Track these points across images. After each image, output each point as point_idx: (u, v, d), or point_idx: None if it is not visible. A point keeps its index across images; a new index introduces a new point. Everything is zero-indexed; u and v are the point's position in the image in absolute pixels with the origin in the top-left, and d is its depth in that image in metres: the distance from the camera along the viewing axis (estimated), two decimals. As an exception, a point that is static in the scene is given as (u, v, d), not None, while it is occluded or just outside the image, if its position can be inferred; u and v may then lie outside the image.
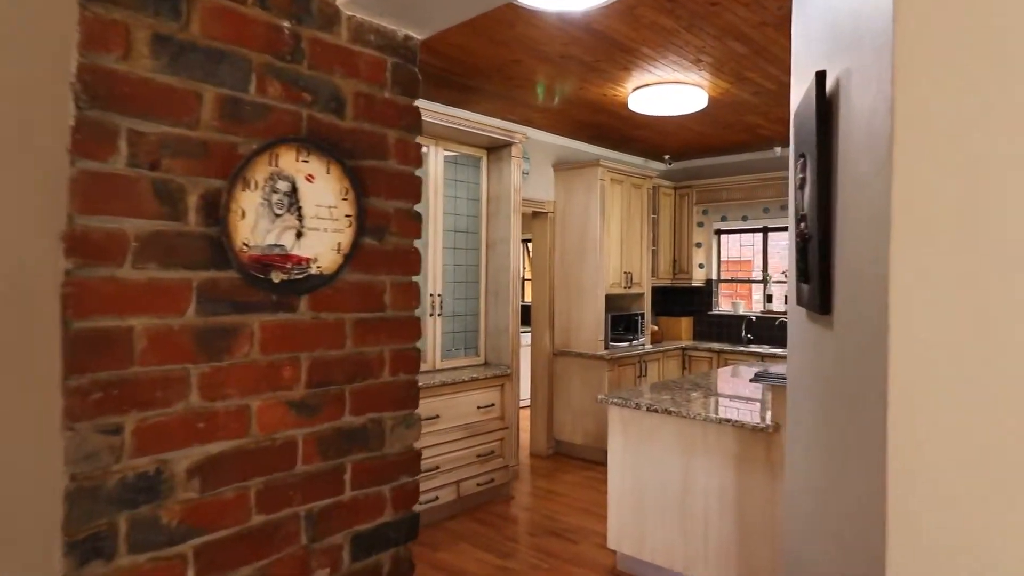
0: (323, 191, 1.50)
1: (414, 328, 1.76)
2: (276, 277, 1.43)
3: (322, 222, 1.51)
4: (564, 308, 5.75)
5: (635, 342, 5.92)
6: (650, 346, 6.07)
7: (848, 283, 1.00)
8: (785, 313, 6.21)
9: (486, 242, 4.76)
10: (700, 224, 6.82)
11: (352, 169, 1.58)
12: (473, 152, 4.67)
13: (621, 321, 5.80)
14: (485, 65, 3.89)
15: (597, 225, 5.50)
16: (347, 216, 1.56)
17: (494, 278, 4.73)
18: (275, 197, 1.42)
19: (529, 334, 5.94)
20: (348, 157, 1.59)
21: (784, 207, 6.30)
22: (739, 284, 6.92)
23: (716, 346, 6.20)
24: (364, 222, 1.61)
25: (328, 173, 1.52)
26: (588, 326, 5.56)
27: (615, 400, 3.30)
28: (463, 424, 4.26)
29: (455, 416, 4.21)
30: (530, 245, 6.55)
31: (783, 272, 6.50)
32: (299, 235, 1.46)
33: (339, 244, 1.54)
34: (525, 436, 5.91)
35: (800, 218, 1.27)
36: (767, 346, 6.26)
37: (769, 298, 6.50)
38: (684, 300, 7.05)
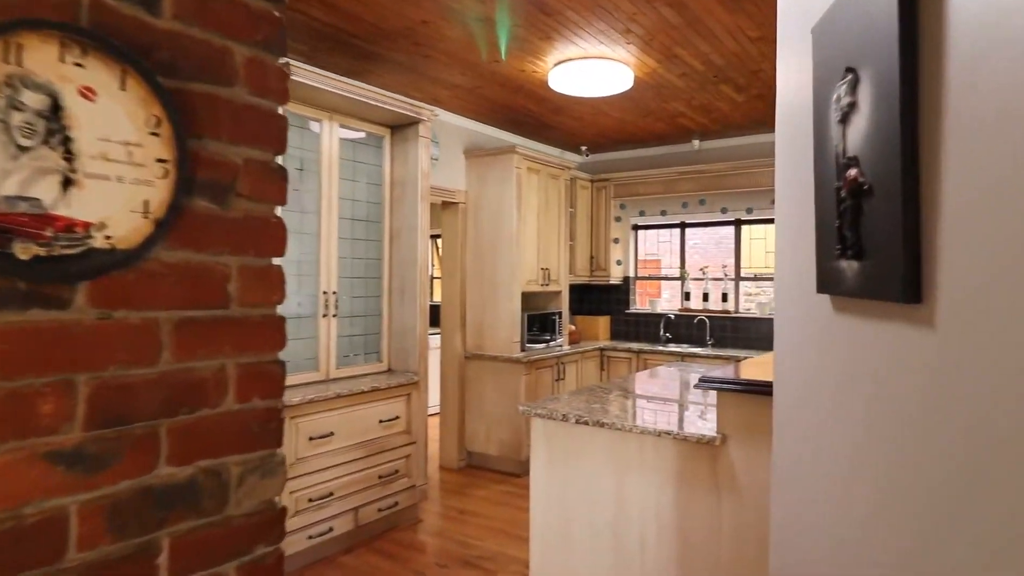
0: (113, 117, 0.95)
1: (275, 333, 1.23)
2: (24, 251, 0.87)
3: (113, 167, 0.95)
4: (477, 307, 5.28)
5: (552, 343, 5.54)
6: (568, 347, 5.72)
7: (988, 260, 0.59)
8: (703, 311, 6.04)
9: (390, 232, 4.21)
10: (618, 219, 6.56)
11: (170, 92, 1.03)
12: (374, 130, 4.11)
13: (537, 321, 5.40)
14: (389, 26, 3.35)
15: (513, 217, 5.07)
16: (160, 162, 1.01)
17: (399, 273, 4.19)
18: (17, 118, 0.85)
19: (439, 336, 5.43)
20: (165, 73, 1.04)
21: (703, 202, 6.13)
22: (655, 281, 6.72)
23: (635, 346, 5.94)
24: (191, 173, 1.07)
25: (124, 90, 0.96)
26: (503, 326, 5.12)
27: (539, 411, 2.87)
28: (362, 442, 3.69)
29: (353, 433, 3.63)
30: (439, 241, 6.02)
31: (701, 269, 6.34)
32: (67, 183, 0.90)
33: (146, 203, 0.99)
34: (435, 447, 5.38)
35: (846, 163, 0.86)
36: (686, 345, 6.07)
37: (687, 295, 6.33)
38: (601, 298, 6.77)
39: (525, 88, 4.40)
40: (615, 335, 6.63)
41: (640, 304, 6.75)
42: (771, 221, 5.88)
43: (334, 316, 3.80)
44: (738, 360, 4.19)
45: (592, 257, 6.46)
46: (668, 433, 2.53)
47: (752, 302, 6.11)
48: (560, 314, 5.64)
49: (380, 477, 3.78)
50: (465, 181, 5.33)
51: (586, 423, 2.71)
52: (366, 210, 4.10)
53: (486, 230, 5.22)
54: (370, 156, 4.13)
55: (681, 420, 2.79)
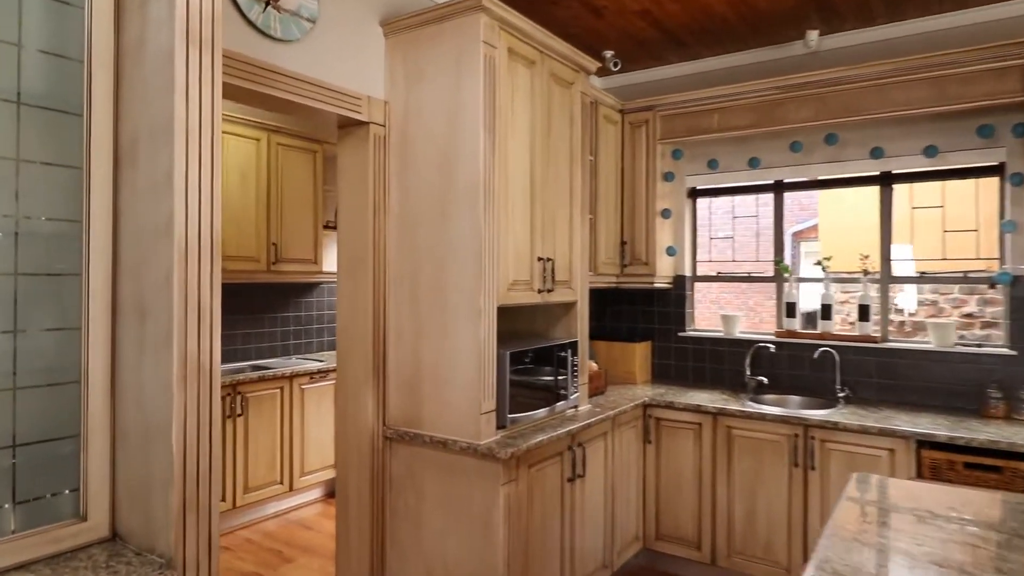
0: None
1: None
2: None
3: None
4: (409, 336, 2.59)
5: (559, 404, 2.87)
6: (588, 406, 3.05)
7: None
8: (825, 337, 3.34)
9: (115, 150, 1.51)
10: (668, 176, 3.88)
11: None
12: None
13: (529, 361, 2.71)
14: None
15: (481, 152, 2.40)
16: None
17: (138, 263, 1.49)
18: None
19: (329, 388, 2.73)
20: None
21: (832, 140, 3.44)
22: (730, 282, 4.04)
23: (706, 400, 3.28)
24: None
25: None
26: (461, 375, 2.44)
27: None
28: None
29: None
30: (329, 202, 3.20)
31: (821, 262, 3.66)
32: None
33: None
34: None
35: None
36: (796, 398, 3.41)
37: (790, 309, 3.66)
38: (638, 311, 4.10)
39: None
40: (660, 374, 3.96)
41: (700, 322, 4.09)
42: (981, 173, 3.23)
43: None
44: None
45: (624, 243, 3.79)
46: None
47: (913, 320, 3.44)
48: (574, 345, 2.96)
49: None
50: (384, 79, 2.65)
51: None
52: (42, 86, 1.42)
53: (427, 180, 2.54)
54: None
55: None
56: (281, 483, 4.19)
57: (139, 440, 1.45)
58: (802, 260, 9.85)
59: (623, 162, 3.78)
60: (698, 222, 4.03)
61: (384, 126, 2.64)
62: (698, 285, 4.14)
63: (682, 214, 3.92)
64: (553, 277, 2.80)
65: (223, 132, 4.15)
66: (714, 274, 4.04)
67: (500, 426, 2.50)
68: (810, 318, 4.58)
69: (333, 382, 4.49)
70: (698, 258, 4.02)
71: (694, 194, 3.99)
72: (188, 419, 1.39)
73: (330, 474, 4.48)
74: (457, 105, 2.44)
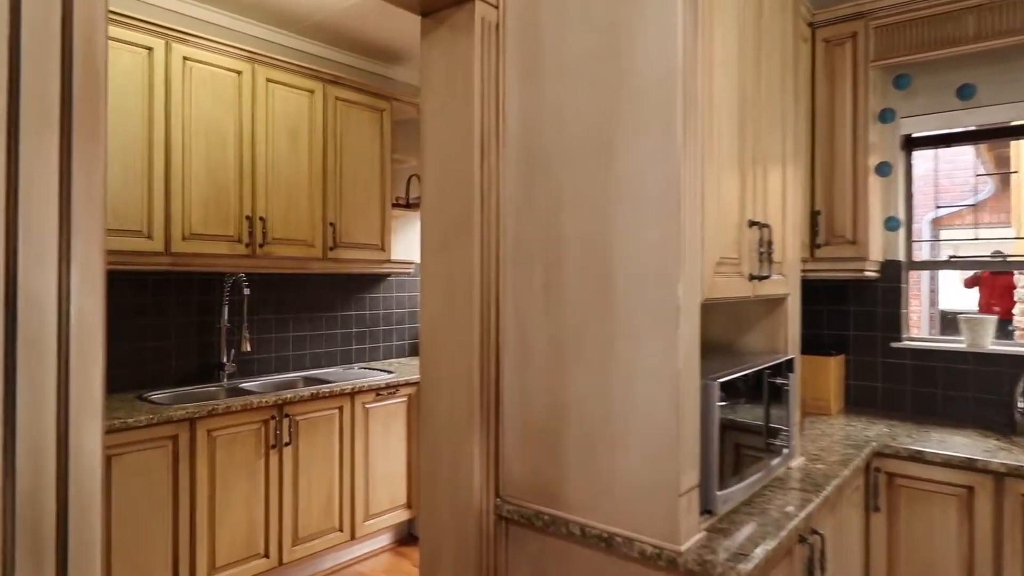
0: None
1: None
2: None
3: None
4: (543, 356, 1.56)
5: (775, 461, 1.77)
6: (800, 460, 1.94)
7: None
8: None
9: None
10: (885, 116, 2.70)
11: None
12: None
13: (740, 392, 1.63)
14: None
15: (677, 30, 1.33)
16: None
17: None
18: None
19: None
20: None
21: None
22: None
23: (968, 447, 2.11)
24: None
25: None
26: (642, 425, 1.38)
27: None
28: None
29: None
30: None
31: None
32: None
33: None
34: None
35: None
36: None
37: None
38: (822, 312, 2.94)
39: None
40: (860, 401, 2.79)
41: (914, 326, 2.89)
42: None
43: None
44: None
45: (815, 213, 2.64)
46: None
47: None
48: (788, 366, 1.86)
49: None
50: (500, -65, 1.62)
51: None
52: None
53: (574, 87, 1.50)
54: None
55: None
56: (340, 530, 3.26)
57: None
58: None
59: (814, 97, 2.63)
60: (913, 185, 2.84)
61: (496, 6, 1.62)
62: (910, 273, 2.94)
63: (897, 171, 2.75)
64: (770, 255, 1.71)
65: (267, 80, 3.25)
66: (944, 259, 2.84)
67: (705, 510, 1.43)
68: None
69: (404, 399, 3.53)
70: (911, 237, 2.83)
71: (909, 145, 2.80)
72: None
73: (401, 516, 3.52)
74: (630, -49, 1.38)
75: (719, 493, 1.44)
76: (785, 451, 1.81)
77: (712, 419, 1.42)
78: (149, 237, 2.82)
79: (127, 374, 3.05)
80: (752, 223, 1.63)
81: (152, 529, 2.55)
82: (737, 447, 1.59)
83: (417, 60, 3.98)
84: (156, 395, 2.99)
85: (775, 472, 1.77)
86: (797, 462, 1.95)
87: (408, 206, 4.04)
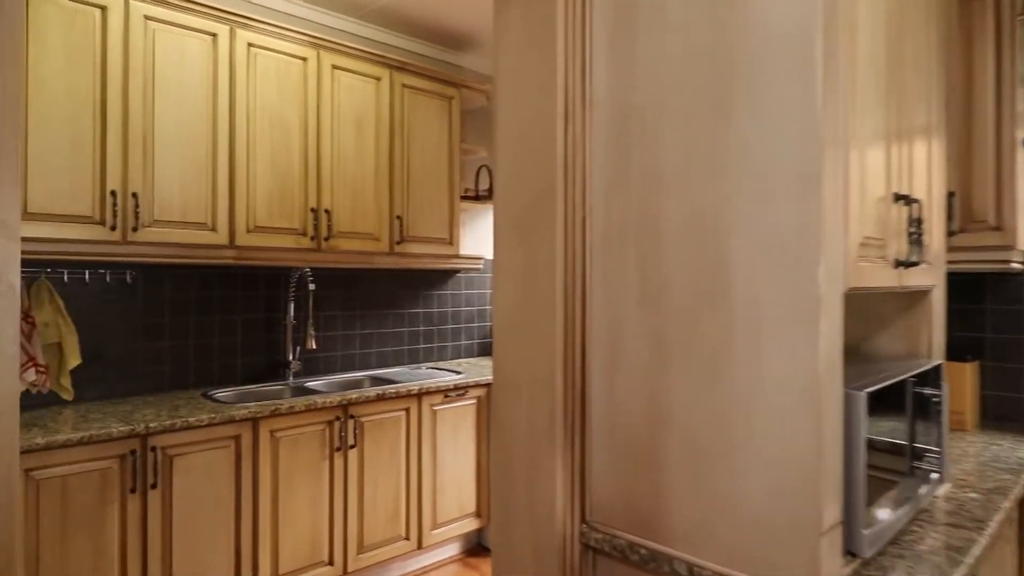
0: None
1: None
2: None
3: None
4: (640, 359, 1.30)
5: (923, 489, 1.45)
6: (947, 486, 1.60)
7: None
8: None
9: None
10: (1037, 79, 2.30)
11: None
12: None
13: (885, 411, 1.32)
14: None
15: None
16: None
17: None
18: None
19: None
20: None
21: None
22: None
23: None
24: None
25: None
26: (768, 445, 1.11)
27: None
28: None
29: None
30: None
31: None
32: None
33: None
34: None
35: None
36: None
37: None
38: (951, 311, 2.55)
39: None
40: (999, 415, 2.39)
41: (1067, 327, 2.46)
42: None
43: None
44: None
45: (950, 194, 2.27)
46: None
47: None
48: (936, 374, 1.53)
49: None
50: None
51: None
52: None
53: (680, 29, 1.24)
54: None
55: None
56: (407, 538, 3.09)
57: None
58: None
59: (952, 44, 2.26)
60: (1067, 162, 2.41)
61: (585, -53, 1.38)
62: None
63: (1048, 146, 2.33)
64: (920, 236, 1.39)
65: (332, 67, 3.12)
66: (1109, 247, 2.40)
67: (849, 551, 1.15)
68: None
69: (474, 402, 3.33)
70: (1064, 222, 2.40)
71: (1064, 114, 2.37)
72: None
73: (470, 525, 3.33)
74: None
75: (865, 532, 1.15)
76: (933, 476, 1.49)
77: (858, 438, 1.14)
78: (213, 229, 2.73)
79: (195, 370, 2.99)
80: (899, 196, 1.33)
81: (214, 532, 2.45)
82: (876, 471, 1.29)
83: (486, 47, 3.78)
84: (221, 393, 2.91)
85: (921, 502, 1.45)
86: (943, 489, 1.61)
87: (477, 198, 3.85)
